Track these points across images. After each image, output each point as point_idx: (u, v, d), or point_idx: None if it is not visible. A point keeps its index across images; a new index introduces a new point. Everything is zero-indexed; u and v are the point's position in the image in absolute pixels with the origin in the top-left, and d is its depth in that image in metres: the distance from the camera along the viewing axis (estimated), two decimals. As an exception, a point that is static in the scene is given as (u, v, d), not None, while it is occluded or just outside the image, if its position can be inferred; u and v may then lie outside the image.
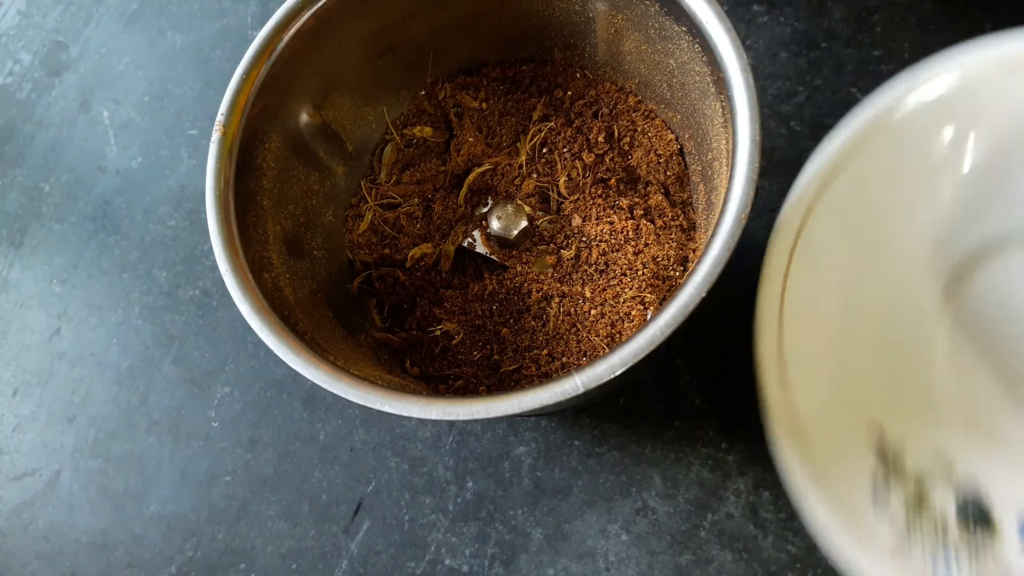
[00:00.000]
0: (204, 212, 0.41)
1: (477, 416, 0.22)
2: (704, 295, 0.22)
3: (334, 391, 0.25)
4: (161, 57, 0.45)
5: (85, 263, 0.42)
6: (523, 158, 0.33)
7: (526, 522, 0.34)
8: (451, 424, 0.35)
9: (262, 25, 0.29)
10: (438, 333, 0.31)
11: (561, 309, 0.30)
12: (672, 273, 0.30)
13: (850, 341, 0.28)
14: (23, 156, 0.45)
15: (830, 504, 0.25)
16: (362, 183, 0.34)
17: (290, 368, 0.37)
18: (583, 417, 0.34)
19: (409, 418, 0.36)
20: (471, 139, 0.34)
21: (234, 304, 0.36)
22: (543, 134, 0.33)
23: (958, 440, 0.26)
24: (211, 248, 0.40)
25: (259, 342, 0.38)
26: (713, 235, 0.23)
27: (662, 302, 0.29)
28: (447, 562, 0.34)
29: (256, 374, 0.38)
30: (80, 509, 0.37)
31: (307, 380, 0.37)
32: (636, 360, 0.22)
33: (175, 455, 0.37)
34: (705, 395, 0.33)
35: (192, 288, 0.40)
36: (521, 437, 0.34)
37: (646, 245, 0.31)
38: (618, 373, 0.22)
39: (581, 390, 0.22)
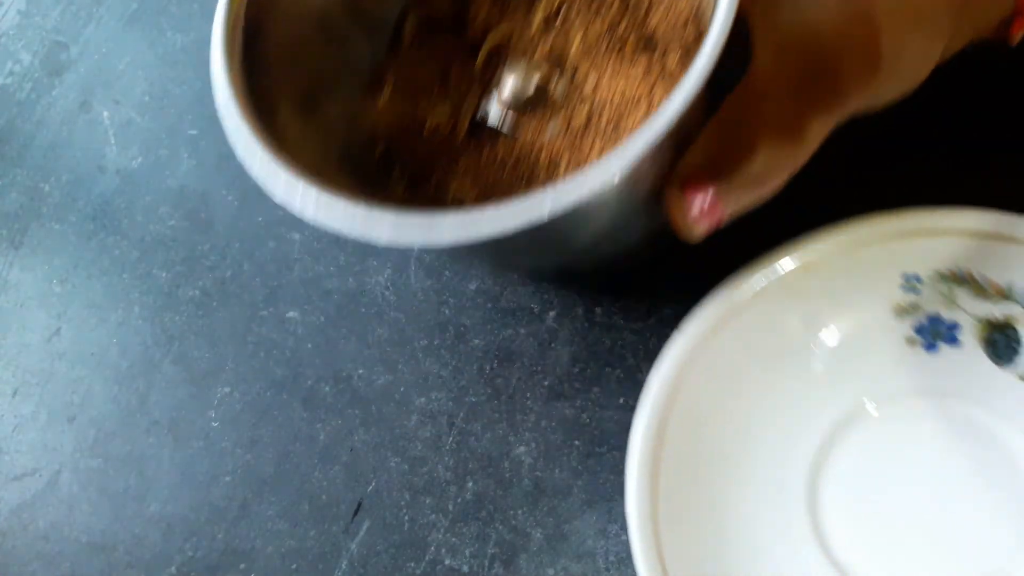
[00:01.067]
0: (205, 212, 0.41)
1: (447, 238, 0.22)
2: (699, 92, 0.22)
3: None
4: (161, 57, 0.45)
5: (85, 263, 0.42)
6: (537, 24, 0.33)
7: (526, 522, 0.34)
8: (451, 424, 0.35)
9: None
10: (451, 198, 0.31)
11: (568, 172, 0.29)
12: None
13: (723, 520, 0.30)
14: (23, 156, 0.45)
15: None
16: (383, 55, 0.34)
17: (290, 368, 0.38)
18: (583, 416, 0.34)
19: (408, 418, 0.36)
20: (486, 8, 0.34)
21: (234, 304, 0.37)
22: (557, 1, 0.33)
23: None
24: (211, 248, 0.41)
25: (259, 342, 0.38)
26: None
27: None
28: (447, 562, 0.34)
29: (256, 374, 0.38)
30: (80, 509, 0.37)
31: (307, 380, 0.37)
32: (622, 168, 0.21)
33: (175, 455, 0.37)
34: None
35: (192, 288, 0.40)
36: (521, 437, 0.35)
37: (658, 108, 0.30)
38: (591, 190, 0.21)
39: (547, 210, 0.21)
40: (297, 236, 0.40)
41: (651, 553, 0.28)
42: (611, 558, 0.33)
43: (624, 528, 0.33)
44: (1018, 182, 0.32)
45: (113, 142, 0.44)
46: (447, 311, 0.37)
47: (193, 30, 0.45)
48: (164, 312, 0.40)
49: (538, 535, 0.33)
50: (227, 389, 0.38)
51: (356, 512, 0.35)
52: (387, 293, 0.38)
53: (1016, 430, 0.29)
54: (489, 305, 0.36)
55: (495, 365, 0.35)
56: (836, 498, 0.29)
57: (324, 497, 0.35)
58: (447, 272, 0.37)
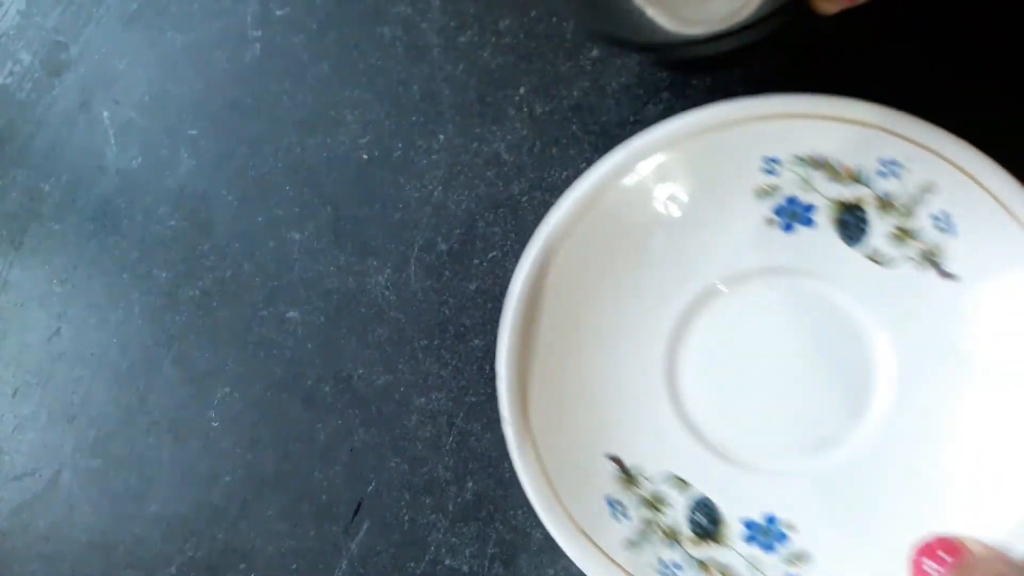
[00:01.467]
0: (205, 212, 0.41)
1: None
2: None
3: None
4: (161, 57, 0.45)
5: (85, 263, 0.42)
6: None
7: (526, 522, 0.34)
8: (451, 424, 0.35)
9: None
10: None
11: None
12: None
13: (589, 385, 0.32)
14: (23, 156, 0.45)
15: (569, 520, 0.29)
16: None
17: (290, 368, 0.38)
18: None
19: (408, 418, 0.36)
20: None
21: (234, 304, 0.37)
22: None
23: (689, 465, 0.31)
24: (211, 248, 0.41)
25: (259, 342, 0.38)
26: None
27: None
28: (447, 562, 0.34)
29: (256, 374, 0.38)
30: (80, 509, 0.37)
31: (307, 380, 0.37)
32: None
33: (175, 455, 0.37)
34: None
35: (192, 288, 0.40)
36: (521, 437, 0.35)
37: None
38: None
39: None
40: (297, 236, 0.40)
41: (517, 407, 0.31)
42: (611, 558, 0.33)
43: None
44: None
45: (113, 142, 0.44)
46: (447, 311, 0.37)
47: (193, 30, 0.45)
48: (164, 312, 0.40)
49: (538, 535, 0.33)
50: (227, 389, 0.38)
51: (356, 512, 0.35)
52: (387, 293, 0.38)
53: (860, 305, 0.31)
54: (489, 305, 0.36)
55: (495, 365, 0.35)
56: (691, 365, 0.32)
57: (324, 497, 0.36)
58: (447, 272, 0.37)
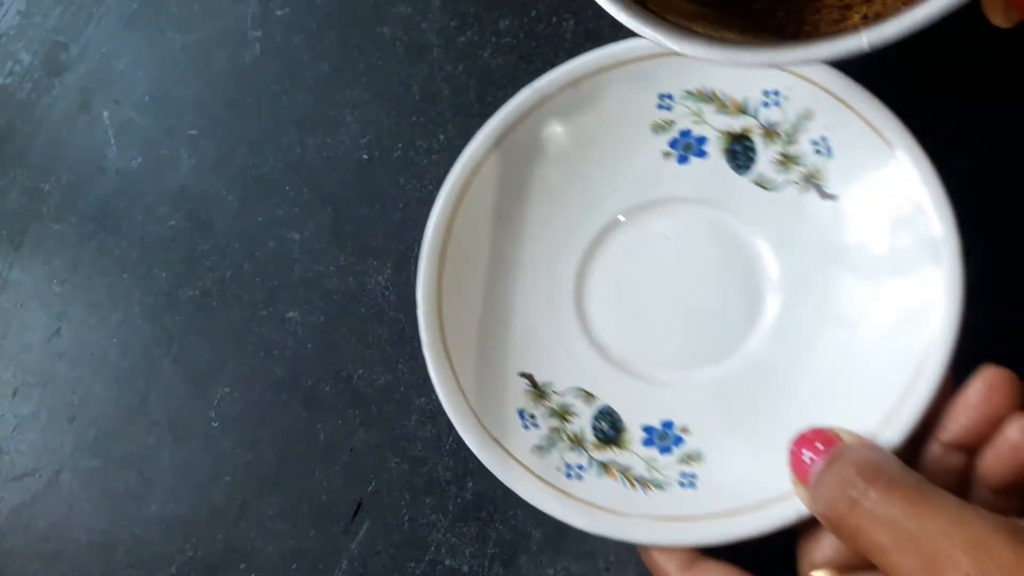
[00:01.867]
0: (205, 212, 0.41)
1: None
2: None
3: None
4: (161, 57, 0.45)
5: (85, 263, 0.42)
6: None
7: (526, 522, 0.34)
8: (451, 424, 0.35)
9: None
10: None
11: None
12: None
13: (503, 311, 0.35)
14: (23, 156, 0.45)
15: (482, 429, 0.32)
16: None
17: (290, 368, 0.38)
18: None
19: (408, 418, 0.36)
20: None
21: (234, 304, 0.37)
22: None
23: (595, 380, 0.34)
24: (211, 248, 0.41)
25: (259, 342, 0.38)
26: None
27: None
28: (447, 562, 0.34)
29: (256, 374, 0.38)
30: (80, 509, 0.37)
31: (307, 380, 0.37)
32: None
33: (175, 455, 0.37)
34: (705, 395, 0.33)
35: (192, 288, 0.40)
36: (521, 437, 0.34)
37: None
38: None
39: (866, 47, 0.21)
40: (297, 236, 0.40)
41: (435, 332, 0.33)
42: (611, 558, 0.33)
43: (624, 528, 0.33)
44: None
45: (113, 142, 0.44)
46: (447, 311, 0.37)
47: (193, 30, 0.45)
48: (164, 312, 0.40)
49: (538, 535, 0.33)
50: (227, 389, 0.38)
51: (356, 512, 0.35)
52: (387, 293, 0.38)
53: (750, 228, 0.34)
54: (489, 305, 0.36)
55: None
56: (598, 290, 0.35)
57: (324, 497, 0.36)
58: (447, 272, 0.37)
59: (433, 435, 0.35)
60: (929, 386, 0.28)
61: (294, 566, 0.35)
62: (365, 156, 0.41)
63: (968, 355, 0.28)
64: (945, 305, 0.29)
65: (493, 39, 0.39)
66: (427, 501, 0.35)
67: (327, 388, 0.37)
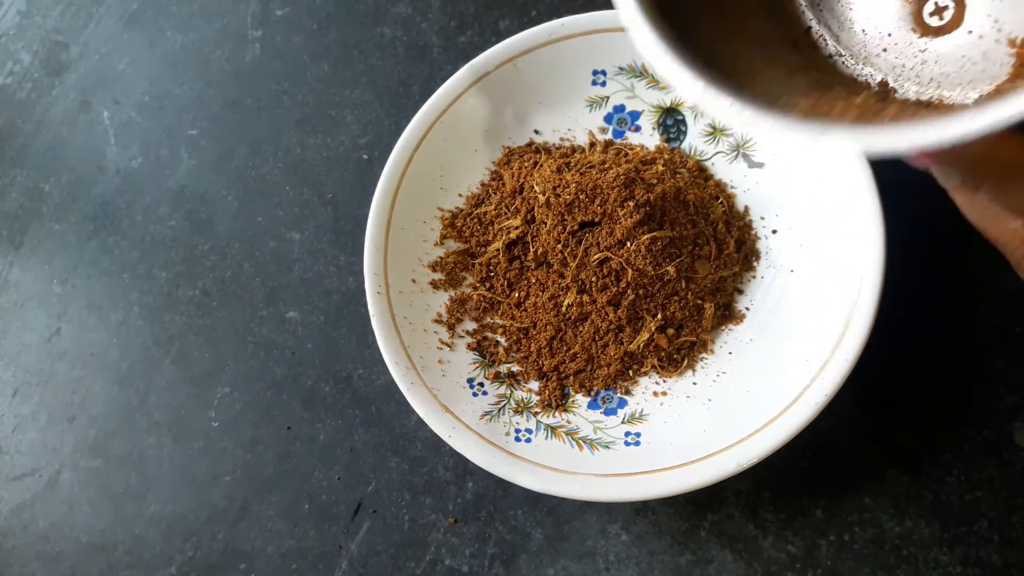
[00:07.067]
0: (205, 212, 0.41)
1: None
2: None
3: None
4: (161, 57, 0.45)
5: (85, 263, 0.42)
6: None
7: (526, 522, 0.34)
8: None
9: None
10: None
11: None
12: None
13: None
14: (23, 156, 0.45)
15: (434, 399, 0.32)
16: None
17: (290, 368, 0.38)
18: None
19: (408, 418, 0.36)
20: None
21: (234, 304, 0.37)
22: None
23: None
24: (211, 248, 0.41)
25: (259, 342, 0.38)
26: None
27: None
28: (447, 562, 0.34)
29: (256, 374, 0.38)
30: (80, 509, 0.37)
31: (307, 380, 0.37)
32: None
33: (175, 455, 0.37)
34: (705, 395, 0.33)
35: (192, 288, 0.40)
36: (521, 437, 0.34)
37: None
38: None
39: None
40: (297, 236, 0.40)
41: (382, 302, 0.34)
42: (611, 558, 0.33)
43: (624, 528, 0.33)
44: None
45: (113, 142, 0.44)
46: (447, 311, 0.37)
47: (193, 30, 0.45)
48: (164, 312, 0.40)
49: (538, 535, 0.33)
50: (227, 389, 0.38)
51: (356, 512, 0.35)
52: (387, 293, 0.38)
53: None
54: (489, 305, 0.36)
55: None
56: None
57: (324, 497, 0.36)
58: (447, 272, 0.37)
59: (433, 435, 0.35)
60: (866, 315, 0.29)
61: (294, 566, 0.35)
62: (365, 156, 0.41)
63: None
64: (871, 246, 0.30)
65: (493, 39, 0.39)
66: (427, 501, 0.35)
67: (327, 388, 0.37)
